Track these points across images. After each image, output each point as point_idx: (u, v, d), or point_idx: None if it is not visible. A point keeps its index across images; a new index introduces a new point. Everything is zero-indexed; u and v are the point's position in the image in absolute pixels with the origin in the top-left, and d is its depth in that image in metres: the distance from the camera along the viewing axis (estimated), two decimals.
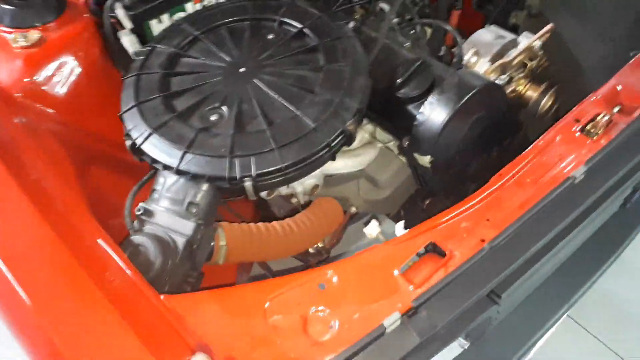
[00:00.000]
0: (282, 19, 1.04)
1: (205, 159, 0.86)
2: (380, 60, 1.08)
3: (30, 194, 0.81)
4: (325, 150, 0.89)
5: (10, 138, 0.93)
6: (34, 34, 1.04)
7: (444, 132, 0.96)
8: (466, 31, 1.46)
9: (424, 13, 1.45)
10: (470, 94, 0.94)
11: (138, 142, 0.89)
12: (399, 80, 1.00)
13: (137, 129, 0.91)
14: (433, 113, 0.96)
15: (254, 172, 0.84)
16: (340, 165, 1.14)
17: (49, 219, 0.78)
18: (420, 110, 0.98)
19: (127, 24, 1.14)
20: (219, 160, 0.85)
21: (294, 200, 1.17)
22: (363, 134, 1.18)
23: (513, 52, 1.16)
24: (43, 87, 1.04)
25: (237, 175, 0.84)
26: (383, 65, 1.07)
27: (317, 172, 1.13)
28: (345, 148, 1.11)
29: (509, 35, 1.25)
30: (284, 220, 1.10)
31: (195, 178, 0.86)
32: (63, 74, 1.07)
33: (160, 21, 1.18)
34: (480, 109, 1.00)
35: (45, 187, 0.86)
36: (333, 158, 0.93)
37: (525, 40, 1.18)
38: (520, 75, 1.20)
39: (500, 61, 1.13)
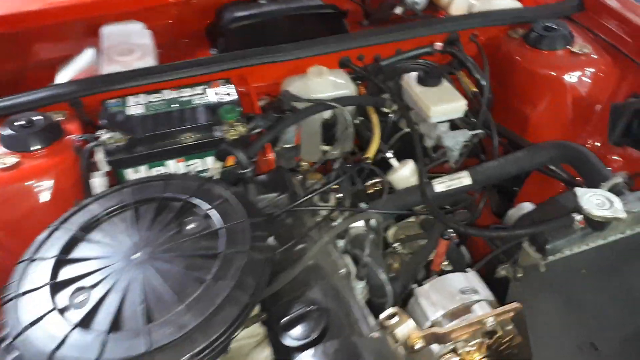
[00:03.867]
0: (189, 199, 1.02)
1: None
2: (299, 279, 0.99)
3: None
4: None
5: None
6: (12, 159, 1.15)
7: None
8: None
9: None
10: None
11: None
12: (283, 321, 0.89)
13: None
14: None
15: None
16: None
17: None
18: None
19: (103, 167, 1.21)
20: None
21: None
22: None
23: (456, 323, 0.97)
24: None
25: None
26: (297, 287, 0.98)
27: None
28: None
29: (483, 293, 1.07)
30: None
31: None
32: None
33: (137, 171, 1.24)
34: None
35: None
36: None
37: (480, 311, 0.99)
38: (473, 346, 1.00)
39: (432, 330, 0.95)
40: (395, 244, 1.32)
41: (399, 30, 1.57)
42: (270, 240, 0.99)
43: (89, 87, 1.32)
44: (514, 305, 0.99)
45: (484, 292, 1.07)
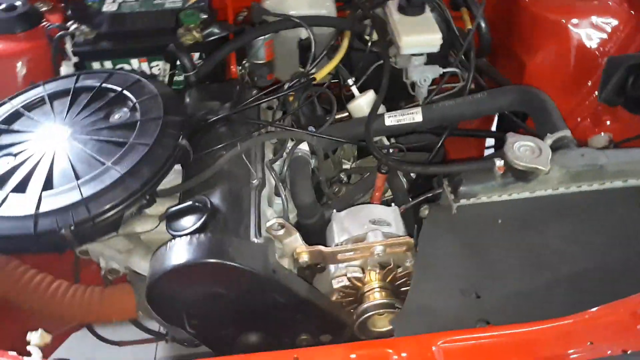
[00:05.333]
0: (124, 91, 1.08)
1: None
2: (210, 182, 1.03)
3: None
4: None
5: None
6: None
7: (158, 284, 0.86)
8: None
9: None
10: (184, 262, 0.83)
11: None
12: (171, 209, 0.94)
13: None
14: (165, 257, 0.87)
15: None
16: (142, 267, 1.11)
17: None
18: (168, 243, 0.90)
19: (71, 57, 1.28)
20: None
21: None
22: None
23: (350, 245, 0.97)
24: None
25: None
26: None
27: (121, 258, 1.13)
28: None
29: (395, 228, 1.04)
30: (74, 285, 1.14)
31: None
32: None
33: (102, 65, 1.30)
34: (209, 284, 0.87)
35: None
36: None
37: (372, 239, 0.97)
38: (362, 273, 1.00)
39: (316, 247, 0.95)
40: (341, 174, 1.30)
41: None
42: (183, 141, 1.02)
43: None
44: (405, 239, 0.97)
45: (397, 228, 1.05)
